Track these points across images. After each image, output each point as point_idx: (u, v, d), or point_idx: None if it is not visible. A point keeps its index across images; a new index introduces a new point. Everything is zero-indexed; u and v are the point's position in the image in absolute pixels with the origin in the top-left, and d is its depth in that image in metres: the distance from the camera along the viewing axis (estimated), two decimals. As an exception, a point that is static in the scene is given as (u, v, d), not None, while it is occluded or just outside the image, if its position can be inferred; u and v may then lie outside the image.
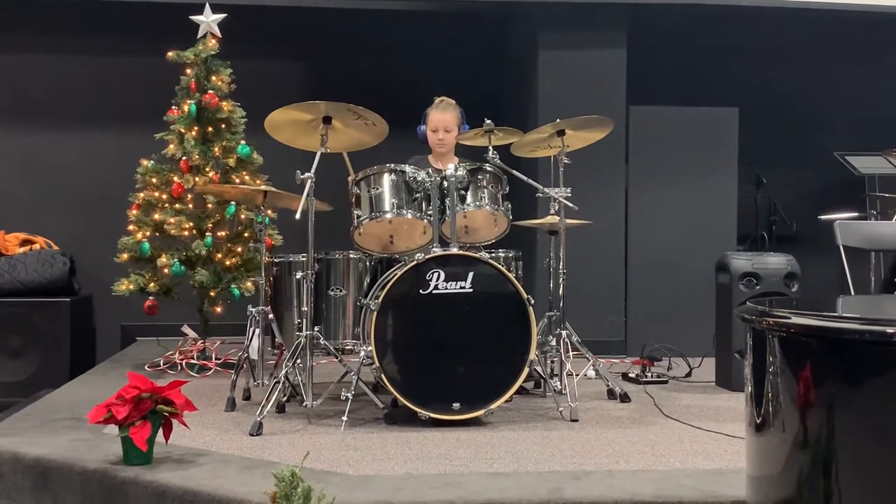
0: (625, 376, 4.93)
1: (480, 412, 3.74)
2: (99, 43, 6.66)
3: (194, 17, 5.30)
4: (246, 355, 4.17)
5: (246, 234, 5.30)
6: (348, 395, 3.75)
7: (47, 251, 6.20)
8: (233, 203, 5.12)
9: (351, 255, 4.23)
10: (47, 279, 6.01)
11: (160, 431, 3.14)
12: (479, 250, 3.98)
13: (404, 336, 3.78)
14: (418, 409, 3.67)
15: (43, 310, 5.86)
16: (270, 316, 4.21)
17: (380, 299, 3.72)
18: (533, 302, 3.80)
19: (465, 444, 3.45)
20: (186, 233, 5.19)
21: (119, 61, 6.64)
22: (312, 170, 3.82)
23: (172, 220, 5.14)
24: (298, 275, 4.10)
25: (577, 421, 3.85)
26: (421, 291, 3.74)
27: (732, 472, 3.00)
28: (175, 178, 5.23)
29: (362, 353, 3.84)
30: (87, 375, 5.18)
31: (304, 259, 4.05)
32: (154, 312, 5.23)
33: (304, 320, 3.88)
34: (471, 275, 3.77)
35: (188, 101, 5.26)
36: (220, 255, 5.23)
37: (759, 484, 2.16)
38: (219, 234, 5.23)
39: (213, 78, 5.29)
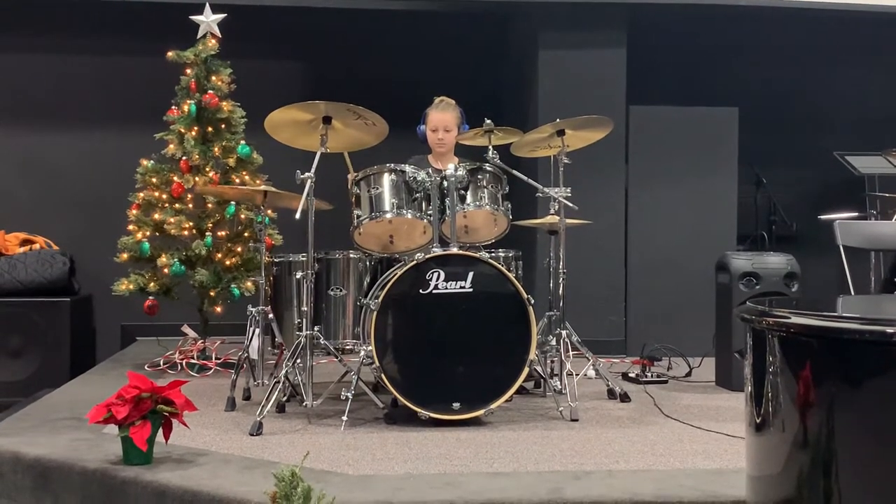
0: (625, 376, 4.93)
1: (480, 412, 3.74)
2: (99, 43, 6.66)
3: (194, 17, 5.30)
4: (246, 355, 4.17)
5: (246, 234, 5.30)
6: (348, 394, 3.75)
7: (47, 251, 6.21)
8: (233, 203, 5.12)
9: (351, 255, 4.23)
10: (47, 279, 6.01)
11: (160, 431, 3.14)
12: (478, 250, 3.98)
13: (404, 336, 3.78)
14: (418, 409, 3.67)
15: (43, 310, 5.86)
16: (270, 316, 4.21)
17: (380, 299, 3.72)
18: (533, 302, 3.80)
19: (465, 443, 3.45)
20: (186, 233, 5.19)
21: (119, 61, 6.64)
22: (312, 170, 3.82)
23: (172, 219, 5.14)
24: (298, 274, 4.10)
25: (577, 421, 3.85)
26: (421, 291, 3.74)
27: (732, 472, 3.00)
28: (175, 178, 5.23)
29: (362, 353, 3.84)
30: (87, 375, 5.18)
31: (304, 259, 4.05)
32: (154, 312, 5.23)
33: (304, 320, 3.88)
34: (471, 274, 3.77)
35: (188, 101, 5.26)
36: (220, 255, 5.23)
37: (759, 484, 2.16)
38: (219, 233, 5.23)
39: (213, 78, 5.30)
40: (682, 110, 6.02)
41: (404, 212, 3.97)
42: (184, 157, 5.23)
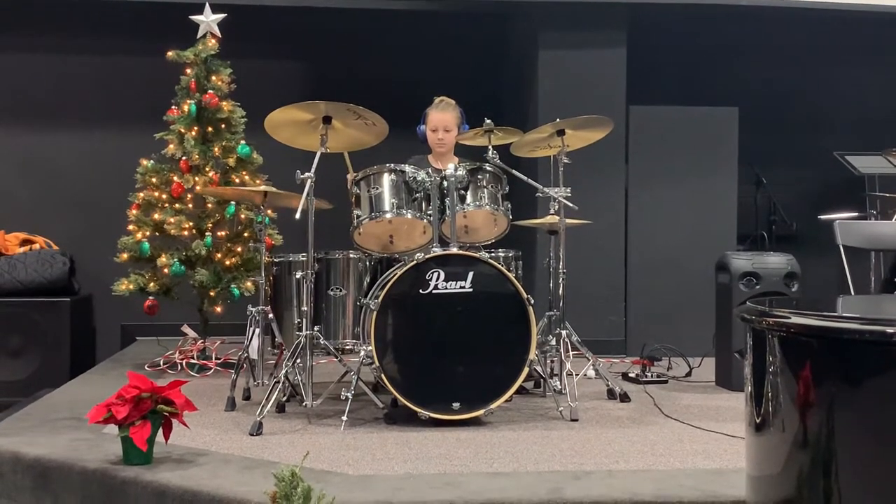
0: (625, 376, 4.93)
1: (480, 412, 3.74)
2: (99, 43, 6.66)
3: (194, 17, 5.30)
4: (246, 355, 4.17)
5: (246, 234, 5.30)
6: (348, 394, 3.75)
7: (47, 251, 6.21)
8: (232, 203, 5.13)
9: (351, 255, 4.23)
10: (47, 279, 6.01)
11: (160, 431, 3.14)
12: (478, 250, 3.98)
13: (404, 336, 3.78)
14: (418, 409, 3.67)
15: (43, 309, 5.86)
16: (270, 316, 4.21)
17: (380, 299, 3.72)
18: (533, 302, 3.80)
19: (465, 443, 3.45)
20: (186, 232, 5.19)
21: (119, 61, 6.64)
22: (312, 169, 3.82)
23: (172, 219, 5.14)
24: (298, 274, 4.10)
25: (576, 421, 3.85)
26: (421, 291, 3.74)
27: (732, 472, 3.00)
28: (175, 178, 5.23)
29: (362, 353, 3.84)
30: (87, 375, 5.18)
31: (303, 259, 4.05)
32: (154, 312, 5.23)
33: (304, 320, 3.88)
34: (471, 274, 3.77)
35: (188, 101, 5.26)
36: (219, 255, 5.23)
37: (758, 484, 2.16)
38: (219, 233, 5.23)
39: (213, 78, 5.30)
40: (682, 110, 6.02)
41: (404, 212, 3.97)
42: (184, 157, 5.23)
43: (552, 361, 4.42)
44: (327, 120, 3.98)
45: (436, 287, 3.74)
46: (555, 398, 4.04)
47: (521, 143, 4.45)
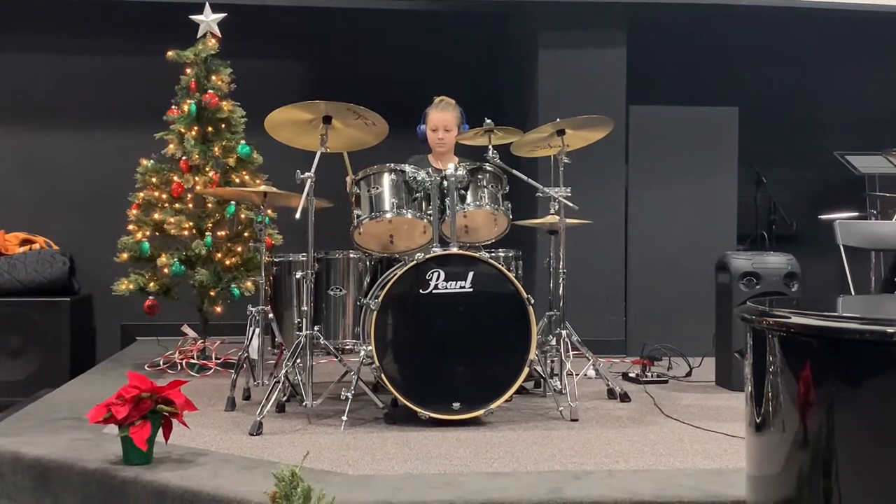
0: (625, 376, 4.93)
1: (480, 412, 3.74)
2: (99, 43, 6.66)
3: (194, 17, 5.30)
4: (246, 355, 4.17)
5: (246, 234, 5.30)
6: (348, 394, 3.75)
7: (47, 251, 6.21)
8: (232, 202, 5.13)
9: (351, 255, 4.23)
10: (47, 279, 6.01)
11: (160, 431, 3.14)
12: (478, 250, 3.98)
13: (404, 336, 3.78)
14: (418, 409, 3.67)
15: (43, 309, 5.86)
16: (270, 315, 4.21)
17: (380, 299, 3.72)
18: (533, 301, 3.80)
19: (465, 443, 3.45)
20: (186, 232, 5.19)
21: (119, 61, 6.64)
22: (312, 169, 3.82)
23: (172, 219, 5.14)
24: (298, 274, 4.10)
25: (577, 420, 3.85)
26: (421, 291, 3.74)
27: (732, 472, 3.00)
28: (175, 178, 5.23)
29: (362, 353, 3.83)
30: (87, 375, 5.18)
31: (303, 259, 4.05)
32: (154, 312, 5.23)
33: (304, 320, 3.89)
34: (471, 274, 3.77)
35: (188, 101, 5.26)
36: (219, 255, 5.23)
37: (759, 483, 2.16)
38: (219, 233, 5.23)
39: (213, 77, 5.30)
40: (682, 110, 6.02)
41: (404, 211, 3.97)
42: (184, 157, 5.23)
43: (552, 361, 4.42)
44: (327, 120, 3.98)
45: (436, 287, 3.74)
46: (555, 398, 4.04)
47: (521, 142, 4.45)
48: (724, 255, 4.79)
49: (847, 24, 6.55)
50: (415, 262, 3.76)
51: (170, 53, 5.32)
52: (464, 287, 3.76)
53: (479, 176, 4.07)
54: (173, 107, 5.35)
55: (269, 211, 4.74)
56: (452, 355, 3.74)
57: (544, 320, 4.38)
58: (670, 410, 4.09)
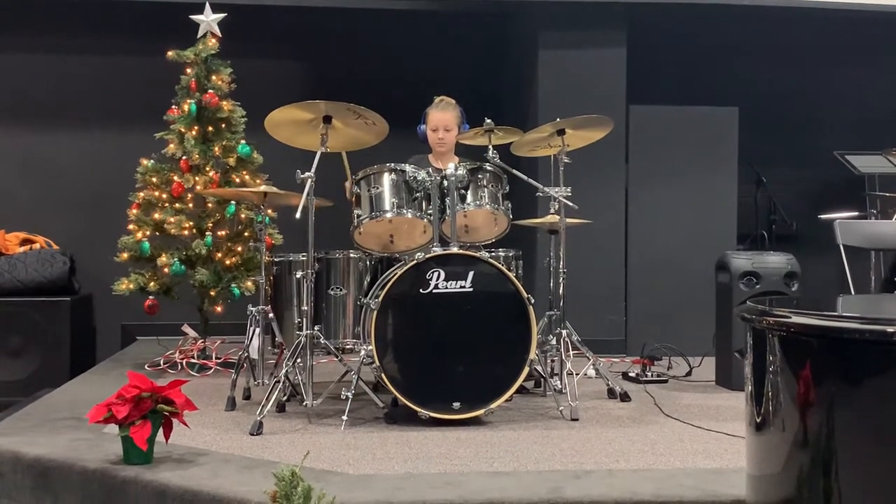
0: (625, 375, 4.93)
1: (480, 411, 3.74)
2: (99, 43, 6.66)
3: (194, 17, 5.30)
4: (246, 354, 4.17)
5: (246, 234, 5.30)
6: (348, 394, 3.75)
7: (47, 250, 6.21)
8: (233, 202, 5.13)
9: (351, 255, 4.23)
10: (47, 278, 6.01)
11: (160, 431, 3.14)
12: (479, 249, 3.98)
13: (404, 335, 3.78)
14: (418, 409, 3.67)
15: (43, 309, 5.86)
16: (270, 315, 4.21)
17: (380, 298, 3.72)
18: (533, 301, 3.80)
19: (466, 443, 3.45)
20: (186, 232, 5.19)
21: (119, 61, 6.64)
22: (312, 169, 3.82)
23: (172, 219, 5.14)
24: (298, 274, 4.10)
25: (577, 420, 3.85)
26: (421, 291, 3.74)
27: (732, 472, 3.00)
28: (175, 178, 5.23)
29: (362, 353, 3.84)
30: (88, 375, 5.18)
31: (304, 258, 4.05)
32: (154, 312, 5.23)
33: (305, 319, 3.89)
34: (471, 274, 3.77)
35: (188, 101, 5.26)
36: (220, 255, 5.23)
37: (759, 483, 2.16)
38: (219, 233, 5.23)
39: (214, 77, 5.30)
40: (682, 110, 6.02)
41: (404, 211, 3.97)
42: (184, 157, 5.23)
43: (552, 361, 4.42)
44: (327, 119, 3.98)
45: (436, 287, 3.74)
46: (555, 398, 4.04)
47: (521, 142, 4.45)
48: (724, 254, 4.79)
49: (847, 24, 6.55)
50: (415, 261, 3.76)
51: (170, 53, 5.32)
52: (464, 287, 3.76)
53: (480, 176, 4.07)
54: (173, 106, 5.35)
55: (269, 211, 4.74)
56: (453, 355, 3.74)
57: (544, 320, 4.38)
58: (670, 410, 4.09)
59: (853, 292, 4.71)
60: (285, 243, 5.33)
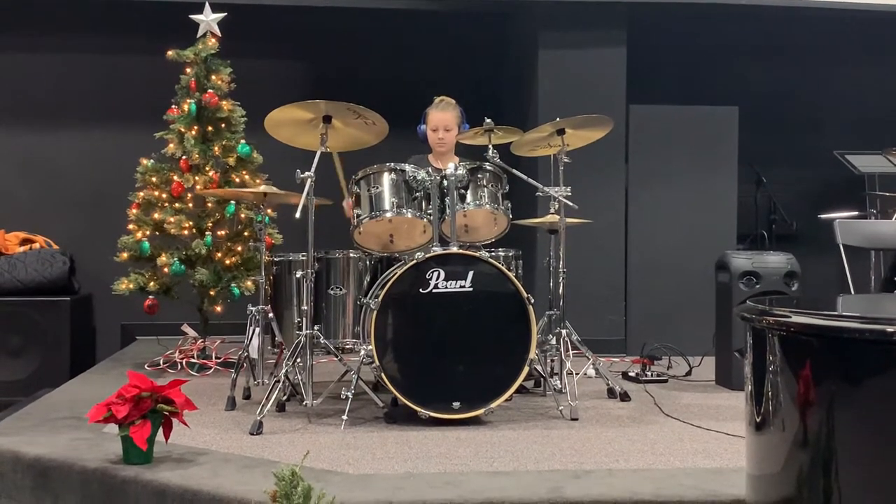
0: (625, 375, 4.93)
1: (480, 411, 3.74)
2: (99, 43, 6.66)
3: (194, 17, 5.30)
4: (246, 354, 4.17)
5: (246, 233, 5.30)
6: (348, 394, 3.75)
7: (47, 250, 6.21)
8: (232, 202, 5.13)
9: (351, 254, 4.23)
10: (47, 278, 6.01)
11: (160, 430, 3.14)
12: (478, 249, 3.98)
13: (404, 335, 3.78)
14: (418, 408, 3.67)
15: (43, 309, 5.86)
16: (270, 315, 4.21)
17: (380, 298, 3.72)
18: (533, 301, 3.80)
19: (465, 443, 3.45)
20: (186, 232, 5.19)
21: (119, 61, 6.64)
22: (312, 169, 3.82)
23: (172, 219, 5.14)
24: (298, 274, 4.11)
25: (577, 420, 3.85)
26: (421, 290, 3.74)
27: (732, 471, 3.00)
28: (175, 178, 5.23)
29: (362, 352, 3.84)
30: (87, 374, 5.18)
31: (303, 258, 4.05)
32: (154, 311, 5.23)
33: (304, 319, 3.89)
34: (471, 274, 3.77)
35: (188, 101, 5.26)
36: (219, 254, 5.23)
37: (759, 483, 2.16)
38: (219, 233, 5.23)
39: (213, 77, 5.30)
40: (682, 109, 6.02)
41: (404, 211, 3.97)
42: (184, 157, 5.23)
43: (552, 360, 4.42)
44: (327, 119, 3.98)
45: (436, 286, 3.74)
46: (555, 397, 4.04)
47: (521, 142, 4.45)
48: (724, 254, 4.79)
49: (847, 24, 6.55)
50: (415, 261, 3.76)
51: (170, 53, 5.32)
52: (464, 286, 3.76)
53: (479, 175, 4.07)
54: (173, 106, 5.35)
55: (268, 210, 4.74)
56: (452, 354, 3.74)
57: (544, 319, 4.38)
58: (670, 410, 4.09)
59: (853, 292, 4.71)
60: (285, 243, 5.33)
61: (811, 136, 6.91)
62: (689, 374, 5.00)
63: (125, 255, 5.22)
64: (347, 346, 4.19)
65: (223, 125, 5.32)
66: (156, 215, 5.20)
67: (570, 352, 4.29)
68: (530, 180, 4.24)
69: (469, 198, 4.03)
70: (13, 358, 5.81)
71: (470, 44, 6.75)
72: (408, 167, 4.04)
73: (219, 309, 5.32)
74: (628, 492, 2.79)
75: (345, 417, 3.68)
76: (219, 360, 5.16)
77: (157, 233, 5.23)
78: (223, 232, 5.26)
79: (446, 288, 3.75)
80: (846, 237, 4.73)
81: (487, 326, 3.78)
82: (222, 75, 5.32)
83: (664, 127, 5.95)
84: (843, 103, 7.00)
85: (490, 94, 6.41)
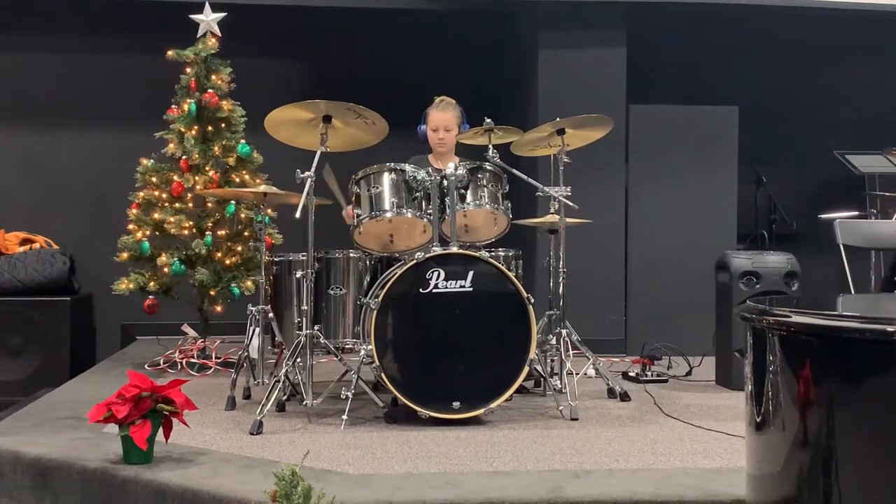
0: (625, 375, 4.93)
1: (480, 411, 3.74)
2: (99, 42, 6.66)
3: (194, 16, 5.30)
4: (246, 354, 4.17)
5: (246, 233, 5.30)
6: (348, 393, 3.75)
7: (47, 250, 6.21)
8: (232, 202, 5.13)
9: (351, 254, 4.23)
10: (47, 278, 6.01)
11: (160, 430, 3.14)
12: (478, 249, 3.97)
13: (404, 335, 3.78)
14: (418, 408, 3.67)
15: (43, 309, 5.86)
16: (270, 315, 4.21)
17: (380, 298, 3.72)
18: (533, 301, 3.80)
19: (465, 442, 3.45)
20: (186, 232, 5.19)
21: (119, 60, 6.63)
22: (312, 168, 3.82)
23: (172, 219, 5.14)
24: (298, 274, 4.11)
25: (576, 420, 3.85)
26: (421, 290, 3.74)
27: (732, 471, 3.00)
28: (175, 178, 5.23)
29: (362, 352, 3.83)
30: (88, 374, 5.18)
31: (304, 258, 4.05)
32: (154, 311, 5.23)
33: (304, 319, 3.89)
34: (471, 274, 3.77)
35: (188, 100, 5.26)
36: (219, 254, 5.23)
37: (759, 482, 2.16)
38: (219, 232, 5.23)
39: (213, 77, 5.30)
40: (682, 109, 6.02)
41: (404, 211, 3.97)
42: (184, 157, 5.23)
43: (552, 360, 4.42)
44: (327, 119, 3.98)
45: (436, 286, 3.74)
46: (555, 397, 4.04)
47: (521, 142, 4.45)
48: (724, 254, 4.79)
49: (847, 24, 6.55)
50: (415, 261, 3.76)
51: (170, 53, 5.32)
52: (464, 286, 3.76)
53: (479, 175, 4.07)
54: (173, 106, 5.35)
55: (268, 210, 4.74)
56: (452, 354, 3.74)
57: (544, 319, 4.38)
58: (670, 410, 4.09)
59: (853, 292, 4.71)
60: (285, 243, 5.33)
61: (811, 136, 6.90)
62: (689, 374, 5.00)
63: (125, 255, 5.22)
64: (347, 346, 4.19)
65: (223, 125, 5.32)
66: (156, 215, 5.20)
67: (570, 352, 4.29)
68: (530, 180, 4.24)
69: (469, 198, 4.03)
70: (13, 358, 5.81)
71: (470, 44, 6.75)
72: (408, 167, 4.04)
73: (219, 309, 5.32)
74: (628, 492, 2.79)
75: (345, 417, 3.68)
76: (219, 360, 5.16)
77: (157, 233, 5.23)
78: (223, 232, 5.26)
79: (446, 288, 3.75)
80: (846, 237, 4.73)
81: (487, 326, 3.78)
82: (222, 75, 5.32)
83: (664, 127, 5.95)
84: (843, 103, 6.99)
85: (490, 94, 6.41)
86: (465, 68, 6.63)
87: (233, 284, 5.20)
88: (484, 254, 3.86)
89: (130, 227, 5.24)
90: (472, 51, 6.77)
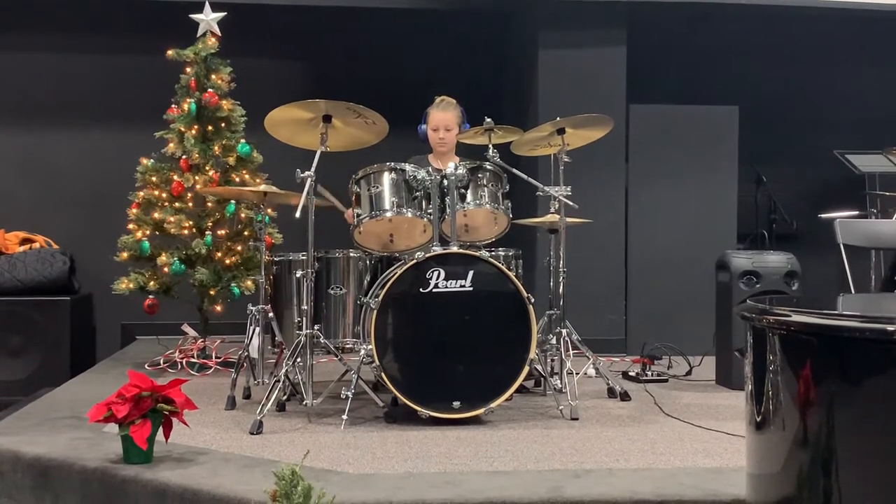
0: (625, 375, 4.93)
1: (480, 411, 3.74)
2: (99, 42, 6.66)
3: (194, 16, 5.30)
4: (246, 354, 4.17)
5: (246, 233, 5.30)
6: (348, 393, 3.75)
7: (47, 250, 6.21)
8: (232, 201, 5.13)
9: (351, 254, 4.23)
10: (47, 278, 6.01)
11: (160, 430, 3.14)
12: (479, 249, 3.97)
13: (404, 335, 3.78)
14: (418, 408, 3.67)
15: (43, 308, 5.86)
16: (270, 314, 4.21)
17: (380, 298, 3.72)
18: (533, 300, 3.79)
19: (465, 442, 3.45)
20: (186, 231, 5.19)
21: (119, 60, 6.64)
22: (312, 168, 3.82)
23: (172, 218, 5.14)
24: (298, 273, 4.11)
25: (577, 419, 3.85)
26: (421, 290, 3.74)
27: (732, 471, 3.00)
28: (175, 177, 5.23)
29: (362, 352, 3.83)
30: (88, 374, 5.18)
31: (304, 258, 4.04)
32: (154, 311, 5.23)
33: (304, 319, 3.89)
34: (471, 273, 3.77)
35: (188, 100, 5.26)
36: (219, 254, 5.23)
37: (759, 482, 2.16)
38: (219, 232, 5.23)
39: (213, 76, 5.30)
40: (682, 109, 6.02)
41: (404, 210, 3.97)
42: (184, 156, 5.23)
43: (552, 360, 4.42)
44: (327, 118, 3.98)
45: (436, 286, 3.74)
46: (555, 397, 4.04)
47: (521, 141, 4.45)
48: (724, 253, 4.79)
49: (847, 24, 6.55)
50: (415, 260, 3.76)
51: (170, 52, 5.32)
52: (464, 286, 3.76)
53: (480, 175, 4.07)
54: (173, 106, 5.35)
55: (268, 210, 4.74)
56: (452, 354, 3.74)
57: (544, 319, 4.38)
58: (670, 409, 4.09)
59: (853, 291, 4.71)
60: (285, 242, 5.33)
61: (811, 136, 6.90)
62: (689, 373, 5.00)
63: (125, 254, 5.22)
64: (347, 346, 4.19)
65: (223, 125, 5.32)
66: (156, 215, 5.20)
67: (571, 351, 4.28)
68: (530, 180, 4.24)
69: (469, 197, 4.02)
70: (13, 358, 5.81)
71: (470, 43, 6.75)
72: (408, 167, 4.04)
73: (219, 308, 5.32)
74: (628, 491, 2.79)
75: (345, 417, 3.68)
76: (219, 360, 5.16)
77: (157, 232, 5.23)
78: (223, 231, 5.26)
79: (446, 287, 3.75)
80: (846, 237, 4.73)
81: (487, 326, 3.78)
82: (222, 75, 5.32)
83: (664, 126, 5.95)
84: (843, 103, 6.99)
85: (490, 94, 6.41)
86: (465, 68, 6.63)
87: (233, 284, 5.19)
88: (484, 253, 3.86)
89: (130, 226, 5.24)
90: (472, 51, 6.77)
